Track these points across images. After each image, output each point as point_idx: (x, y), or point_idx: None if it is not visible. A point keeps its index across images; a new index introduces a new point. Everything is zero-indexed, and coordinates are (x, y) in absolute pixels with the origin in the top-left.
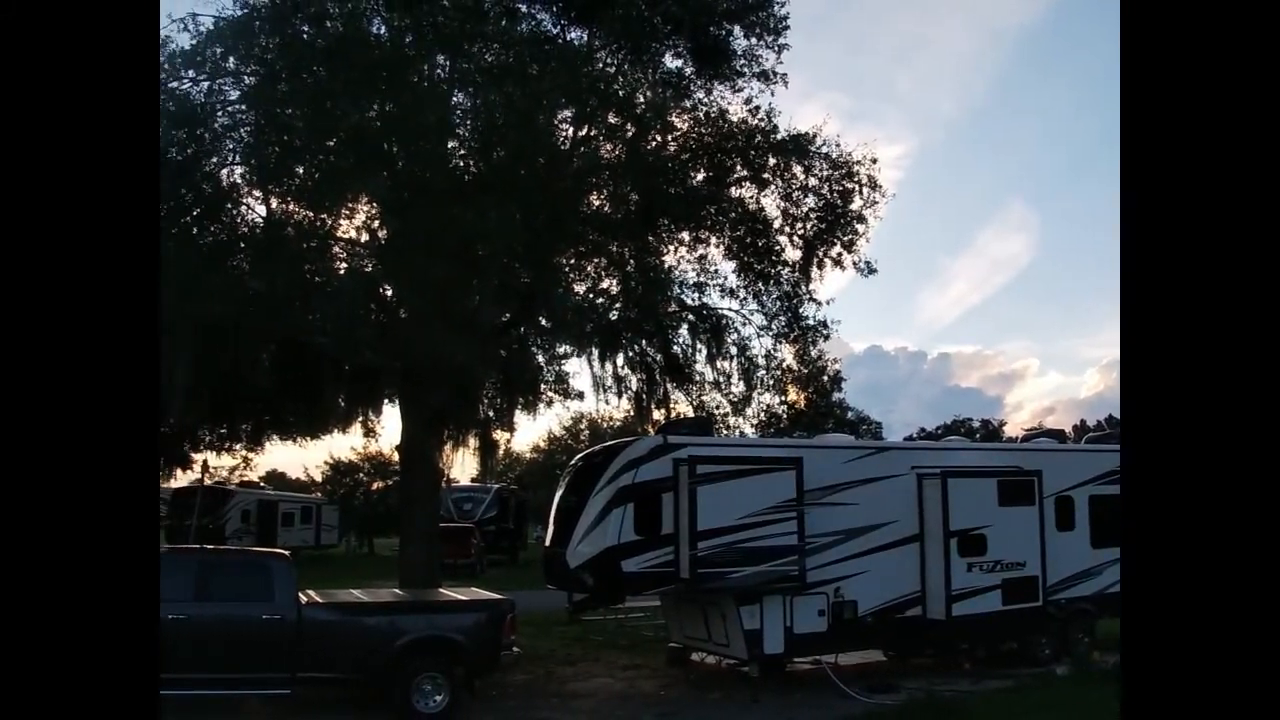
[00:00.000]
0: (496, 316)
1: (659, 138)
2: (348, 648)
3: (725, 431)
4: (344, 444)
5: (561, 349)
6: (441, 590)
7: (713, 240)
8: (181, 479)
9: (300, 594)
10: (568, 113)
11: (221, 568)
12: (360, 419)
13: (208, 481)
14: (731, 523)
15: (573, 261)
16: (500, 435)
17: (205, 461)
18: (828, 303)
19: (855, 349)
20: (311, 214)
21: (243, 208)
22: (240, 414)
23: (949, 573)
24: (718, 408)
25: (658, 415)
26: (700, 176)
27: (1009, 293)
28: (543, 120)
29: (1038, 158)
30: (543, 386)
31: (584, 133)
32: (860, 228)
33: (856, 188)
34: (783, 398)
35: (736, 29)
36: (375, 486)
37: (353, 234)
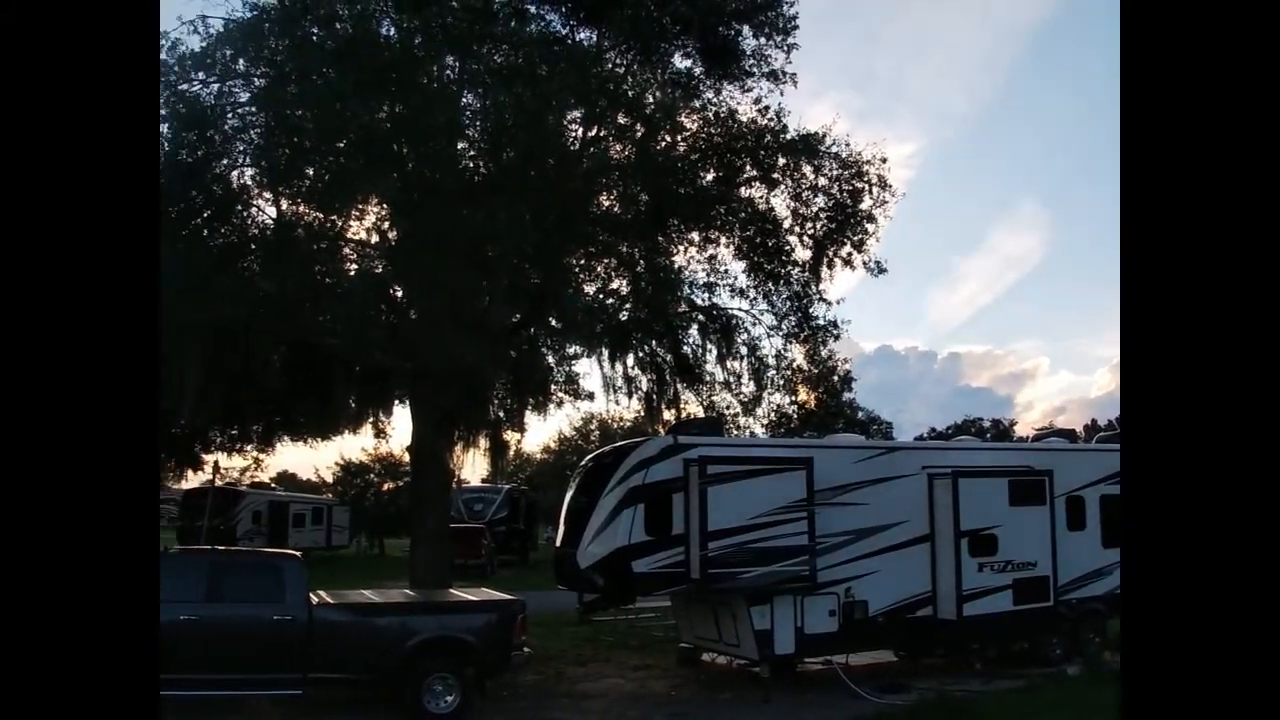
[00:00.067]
0: (507, 317)
1: (668, 138)
2: (359, 648)
3: (736, 432)
4: (355, 445)
5: (572, 349)
6: (452, 591)
7: (723, 240)
8: (193, 480)
9: (311, 595)
10: (577, 113)
11: (233, 569)
12: (371, 420)
13: (219, 483)
14: (742, 523)
15: (583, 262)
16: (511, 436)
17: (216, 463)
18: (838, 302)
19: (866, 349)
20: (321, 215)
21: (253, 209)
22: (251, 415)
23: (960, 573)
24: (728, 408)
25: (668, 415)
26: (710, 176)
27: (1020, 292)
28: (552, 121)
29: (1049, 156)
30: (553, 387)
31: (594, 133)
32: (870, 227)
33: (866, 187)
34: (793, 398)
35: (745, 29)
36: (386, 487)
37: (363, 235)
